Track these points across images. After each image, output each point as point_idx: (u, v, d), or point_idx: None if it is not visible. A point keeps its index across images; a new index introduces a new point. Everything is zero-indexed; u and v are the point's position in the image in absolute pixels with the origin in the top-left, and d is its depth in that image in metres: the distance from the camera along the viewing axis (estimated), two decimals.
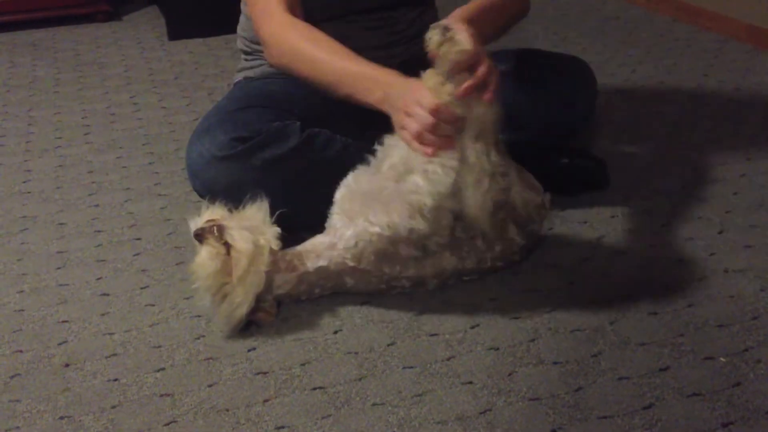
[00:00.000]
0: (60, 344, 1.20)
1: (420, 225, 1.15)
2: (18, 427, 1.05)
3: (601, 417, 1.02)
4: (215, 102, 1.63)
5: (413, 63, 1.58)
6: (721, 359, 1.11)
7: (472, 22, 1.20)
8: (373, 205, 1.17)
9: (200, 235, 1.16)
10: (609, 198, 1.53)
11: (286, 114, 1.37)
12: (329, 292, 1.25)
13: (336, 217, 1.22)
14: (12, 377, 1.14)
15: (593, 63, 1.67)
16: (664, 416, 1.02)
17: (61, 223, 1.56)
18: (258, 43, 1.45)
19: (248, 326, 1.20)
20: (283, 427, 1.03)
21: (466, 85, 1.11)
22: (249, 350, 1.17)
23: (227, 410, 1.06)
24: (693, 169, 1.64)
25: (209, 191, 1.31)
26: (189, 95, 2.19)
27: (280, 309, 1.24)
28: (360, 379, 1.10)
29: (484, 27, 1.25)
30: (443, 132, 1.13)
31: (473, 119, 1.14)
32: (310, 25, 1.31)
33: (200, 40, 2.65)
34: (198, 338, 1.20)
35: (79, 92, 2.26)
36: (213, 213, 1.18)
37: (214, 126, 1.36)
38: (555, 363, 1.12)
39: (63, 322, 1.26)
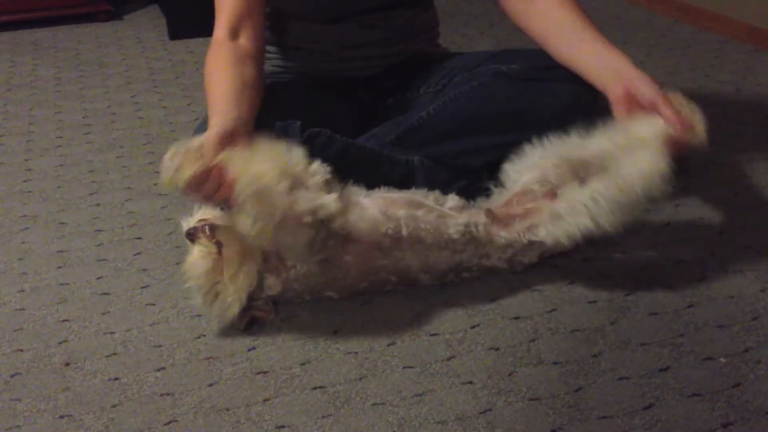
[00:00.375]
0: (60, 343, 1.20)
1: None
2: (18, 426, 1.05)
3: (601, 417, 1.02)
4: None
5: (413, 61, 1.59)
6: (721, 360, 1.11)
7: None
8: None
9: (192, 235, 1.16)
10: None
11: (286, 114, 1.38)
12: (319, 297, 1.25)
13: None
14: (12, 376, 1.14)
15: None
16: (664, 416, 1.02)
17: (62, 223, 1.56)
18: None
19: (250, 325, 1.20)
20: (283, 427, 1.03)
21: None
22: (249, 350, 1.17)
23: (227, 409, 1.06)
24: (693, 170, 1.64)
25: (196, 199, 1.31)
26: (190, 95, 2.19)
27: (279, 309, 1.24)
28: (360, 379, 1.10)
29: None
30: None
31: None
32: (235, 51, 1.33)
33: (201, 39, 2.65)
34: (198, 337, 1.20)
35: (80, 91, 2.26)
36: (205, 212, 1.18)
37: None
38: (555, 363, 1.12)
39: (63, 321, 1.26)
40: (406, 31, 1.55)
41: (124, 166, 1.78)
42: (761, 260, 1.34)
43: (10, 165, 1.82)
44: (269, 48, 1.56)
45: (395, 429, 1.01)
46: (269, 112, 1.34)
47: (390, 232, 1.21)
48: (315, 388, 1.09)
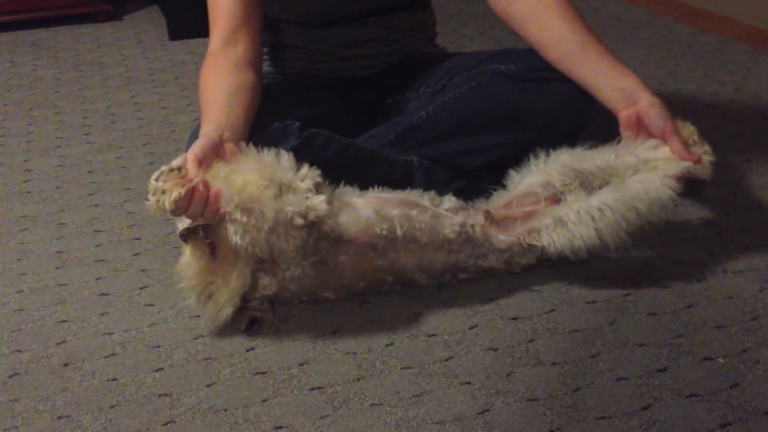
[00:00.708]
0: (59, 344, 1.20)
1: None
2: (17, 427, 1.05)
3: (599, 417, 1.02)
4: None
5: (412, 61, 1.59)
6: (720, 360, 1.11)
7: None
8: None
9: (185, 235, 1.16)
10: None
11: (285, 114, 1.38)
12: (316, 298, 1.25)
13: None
14: (11, 376, 1.14)
15: None
16: (662, 417, 1.02)
17: (61, 223, 1.56)
18: None
19: (250, 326, 1.20)
20: (281, 427, 1.03)
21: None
22: (247, 350, 1.17)
23: (225, 410, 1.06)
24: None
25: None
26: (189, 95, 2.19)
27: (277, 309, 1.24)
28: (358, 380, 1.10)
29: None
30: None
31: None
32: (231, 59, 1.33)
33: (201, 39, 2.65)
34: (197, 338, 1.20)
35: (79, 92, 2.26)
36: None
37: None
38: (553, 363, 1.12)
39: (62, 321, 1.26)
40: (404, 30, 1.55)
41: (124, 167, 1.78)
42: (760, 261, 1.34)
43: (10, 165, 1.82)
44: (266, 49, 1.56)
45: (393, 429, 1.01)
46: (267, 112, 1.34)
47: (384, 232, 1.21)
48: (313, 389, 1.09)
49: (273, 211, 1.12)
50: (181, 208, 1.10)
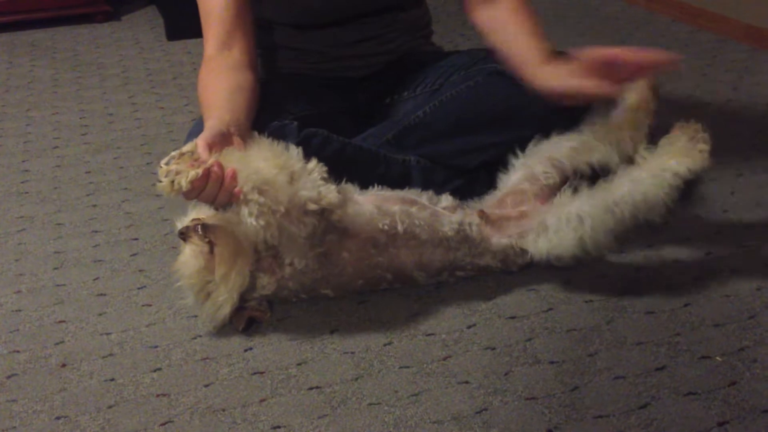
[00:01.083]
0: (57, 344, 1.20)
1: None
2: (14, 427, 1.05)
3: (597, 416, 1.02)
4: None
5: (409, 61, 1.59)
6: (718, 358, 1.11)
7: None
8: None
9: (184, 234, 1.16)
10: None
11: (283, 114, 1.38)
12: (316, 296, 1.25)
13: None
14: (9, 377, 1.14)
15: None
16: (660, 415, 1.02)
17: (59, 224, 1.56)
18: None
19: (249, 326, 1.20)
20: (279, 427, 1.03)
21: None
22: (245, 350, 1.17)
23: (223, 410, 1.06)
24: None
25: (201, 201, 1.31)
26: (187, 95, 2.19)
27: (275, 309, 1.24)
28: (356, 379, 1.10)
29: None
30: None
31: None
32: (228, 61, 1.34)
33: (198, 40, 2.64)
34: (194, 338, 1.20)
35: (77, 92, 2.26)
36: (199, 212, 1.18)
37: None
38: (551, 362, 1.12)
39: (60, 322, 1.26)
40: (401, 29, 1.55)
41: (121, 167, 1.78)
42: (758, 259, 1.34)
43: (7, 166, 1.82)
44: (260, 50, 1.56)
45: (391, 429, 1.01)
46: (265, 112, 1.34)
47: (385, 227, 1.21)
48: (311, 389, 1.09)
49: (287, 195, 1.12)
50: (197, 188, 1.09)
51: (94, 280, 1.37)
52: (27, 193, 1.69)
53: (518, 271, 1.30)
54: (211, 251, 1.14)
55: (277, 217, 1.12)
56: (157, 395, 1.09)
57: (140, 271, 1.38)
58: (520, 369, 1.11)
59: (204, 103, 1.30)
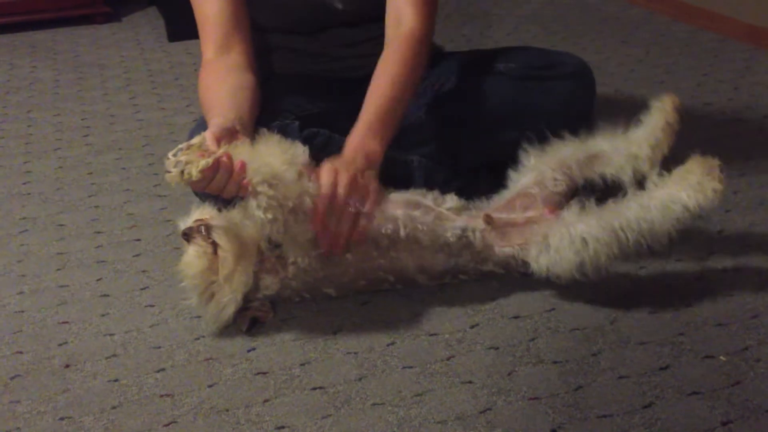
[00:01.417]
0: (60, 345, 1.20)
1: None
2: (18, 428, 1.05)
3: (600, 416, 1.02)
4: None
5: None
6: (721, 358, 1.11)
7: (379, 130, 1.25)
8: None
9: (188, 235, 1.16)
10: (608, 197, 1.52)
11: (283, 114, 1.38)
12: (320, 297, 1.25)
13: None
14: (12, 378, 1.14)
15: (592, 62, 1.67)
16: (663, 415, 1.02)
17: (61, 225, 1.56)
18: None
19: (252, 326, 1.20)
20: (283, 427, 1.03)
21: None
22: (249, 350, 1.17)
23: (227, 410, 1.06)
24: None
25: (207, 193, 1.31)
26: (188, 96, 2.19)
27: (278, 309, 1.24)
28: (360, 379, 1.10)
29: (392, 124, 1.28)
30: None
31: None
32: (228, 63, 1.35)
33: (199, 40, 2.64)
34: (198, 338, 1.20)
35: (78, 94, 2.26)
36: (202, 213, 1.19)
37: None
38: (555, 362, 1.12)
39: (63, 323, 1.26)
40: None
41: (123, 168, 1.78)
42: (760, 258, 1.34)
43: (9, 167, 1.82)
44: (259, 52, 1.55)
45: (395, 429, 1.01)
46: (265, 112, 1.34)
47: (388, 231, 1.21)
48: (315, 389, 1.09)
49: (295, 191, 1.12)
50: (207, 177, 1.09)
51: (97, 281, 1.37)
52: (29, 194, 1.69)
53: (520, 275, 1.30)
54: (215, 252, 1.14)
55: (284, 213, 1.12)
56: (161, 396, 1.09)
57: (143, 271, 1.38)
58: (524, 369, 1.11)
59: (206, 104, 1.30)
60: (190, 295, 1.18)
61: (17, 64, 2.53)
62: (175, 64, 2.46)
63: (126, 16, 3.02)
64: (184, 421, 1.04)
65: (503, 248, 1.24)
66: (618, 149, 1.26)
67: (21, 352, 1.19)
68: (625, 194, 1.21)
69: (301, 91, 1.51)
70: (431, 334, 1.19)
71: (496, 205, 1.29)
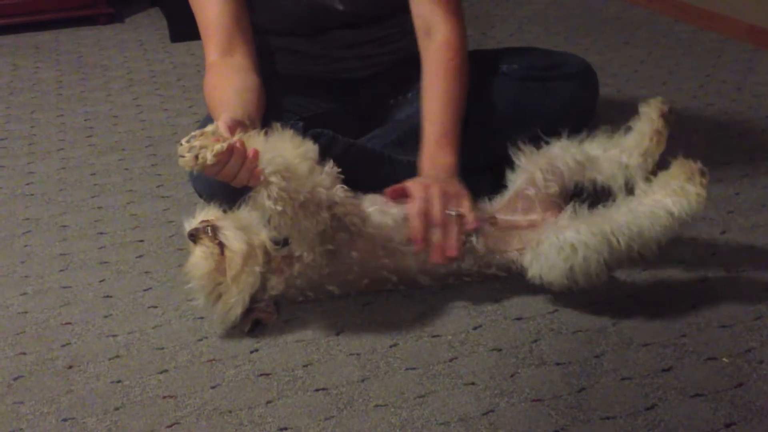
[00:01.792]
0: (63, 346, 1.21)
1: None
2: (21, 429, 1.05)
3: (603, 418, 1.02)
4: None
5: (413, 61, 1.58)
6: (724, 360, 1.11)
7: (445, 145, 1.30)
8: None
9: (194, 236, 1.16)
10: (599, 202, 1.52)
11: (287, 115, 1.38)
12: (323, 296, 1.25)
13: None
14: (15, 379, 1.14)
15: (595, 63, 1.67)
16: (666, 417, 1.02)
17: (64, 226, 1.56)
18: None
19: (254, 328, 1.20)
20: (285, 429, 1.03)
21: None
22: (251, 352, 1.17)
23: (230, 412, 1.06)
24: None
25: (211, 193, 1.31)
26: (191, 97, 2.19)
27: (281, 311, 1.24)
28: (362, 381, 1.10)
29: (455, 136, 1.31)
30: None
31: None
32: (233, 65, 1.35)
33: (202, 43, 2.65)
34: (201, 340, 1.20)
35: (81, 94, 2.26)
36: (207, 213, 1.19)
37: None
38: (557, 364, 1.12)
39: (66, 324, 1.26)
40: (403, 32, 1.55)
41: (126, 169, 1.79)
42: (764, 260, 1.34)
43: (12, 168, 1.82)
44: (262, 53, 1.56)
45: (398, 430, 1.01)
46: (270, 113, 1.34)
47: (394, 233, 1.21)
48: (317, 390, 1.09)
49: (307, 186, 1.13)
50: (221, 162, 1.08)
51: (100, 282, 1.37)
52: (32, 195, 1.69)
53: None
54: (222, 253, 1.15)
55: (294, 206, 1.12)
56: (164, 397, 1.09)
57: (146, 272, 1.38)
58: (527, 370, 1.11)
59: (213, 103, 1.30)
60: (197, 297, 1.18)
61: (20, 64, 2.54)
62: (178, 65, 2.46)
63: (129, 16, 3.02)
64: (187, 423, 1.04)
65: (504, 254, 1.24)
66: (609, 157, 1.26)
67: (24, 353, 1.19)
68: (614, 199, 1.21)
69: (303, 92, 1.51)
70: (434, 336, 1.19)
71: (499, 206, 1.29)
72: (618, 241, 1.14)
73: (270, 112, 1.35)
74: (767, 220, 1.46)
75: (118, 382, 1.12)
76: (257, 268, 1.17)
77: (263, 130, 1.17)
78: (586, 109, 1.57)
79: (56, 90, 2.30)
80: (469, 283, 1.28)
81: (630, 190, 1.23)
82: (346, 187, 1.20)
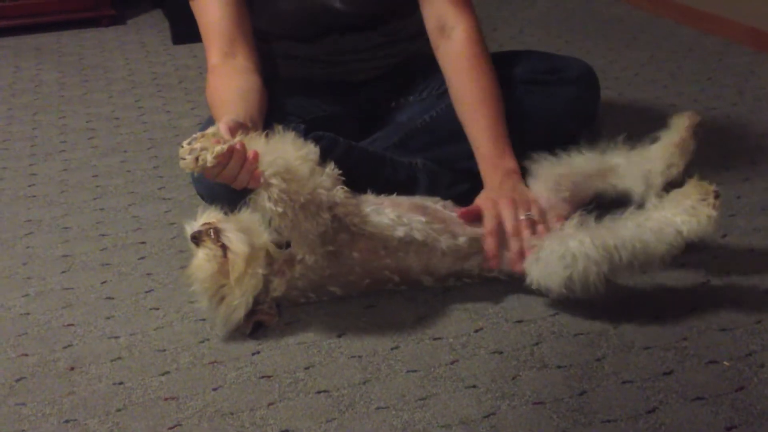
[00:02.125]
0: (65, 348, 1.21)
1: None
2: (23, 431, 1.05)
3: (605, 421, 1.02)
4: None
5: (414, 64, 1.59)
6: (725, 363, 1.11)
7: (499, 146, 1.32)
8: None
9: (197, 238, 1.16)
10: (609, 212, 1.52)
11: (288, 117, 1.38)
12: (325, 297, 1.26)
13: None
14: (17, 380, 1.14)
15: (597, 66, 1.68)
16: (667, 420, 1.02)
17: (66, 227, 1.56)
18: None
19: (256, 330, 1.20)
20: (287, 431, 1.03)
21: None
22: (253, 354, 1.17)
23: (232, 414, 1.06)
24: (696, 173, 1.63)
25: (212, 195, 1.32)
26: (193, 99, 2.19)
27: (283, 313, 1.24)
28: (364, 383, 1.11)
29: (505, 134, 1.34)
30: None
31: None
32: (235, 67, 1.36)
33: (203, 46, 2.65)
34: (202, 341, 1.20)
35: (83, 96, 2.27)
36: (209, 216, 1.19)
37: None
38: (559, 367, 1.12)
39: (68, 325, 1.26)
40: (405, 35, 1.55)
41: (128, 171, 1.79)
42: (765, 263, 1.34)
43: (15, 170, 1.82)
44: (263, 56, 1.56)
45: None
46: (271, 115, 1.34)
47: (401, 234, 1.21)
48: (319, 392, 1.09)
49: (308, 187, 1.13)
50: (221, 164, 1.09)
51: (102, 283, 1.37)
52: (34, 196, 1.69)
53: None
54: (225, 255, 1.15)
55: (295, 207, 1.12)
56: (166, 399, 1.09)
57: (148, 274, 1.39)
58: (528, 373, 1.11)
59: (215, 105, 1.30)
60: (199, 299, 1.18)
61: (23, 66, 2.54)
62: (180, 67, 2.47)
63: (131, 18, 3.03)
64: (189, 425, 1.04)
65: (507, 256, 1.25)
66: (632, 164, 1.27)
67: (26, 355, 1.20)
68: (623, 212, 1.20)
69: (305, 95, 1.51)
70: (435, 338, 1.19)
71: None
72: (620, 257, 1.14)
73: (272, 114, 1.35)
74: None
75: (120, 383, 1.13)
76: (260, 270, 1.17)
77: (264, 132, 1.18)
78: (588, 113, 1.57)
79: (58, 92, 2.31)
80: (471, 286, 1.29)
81: (640, 204, 1.22)
82: (346, 188, 1.20)
